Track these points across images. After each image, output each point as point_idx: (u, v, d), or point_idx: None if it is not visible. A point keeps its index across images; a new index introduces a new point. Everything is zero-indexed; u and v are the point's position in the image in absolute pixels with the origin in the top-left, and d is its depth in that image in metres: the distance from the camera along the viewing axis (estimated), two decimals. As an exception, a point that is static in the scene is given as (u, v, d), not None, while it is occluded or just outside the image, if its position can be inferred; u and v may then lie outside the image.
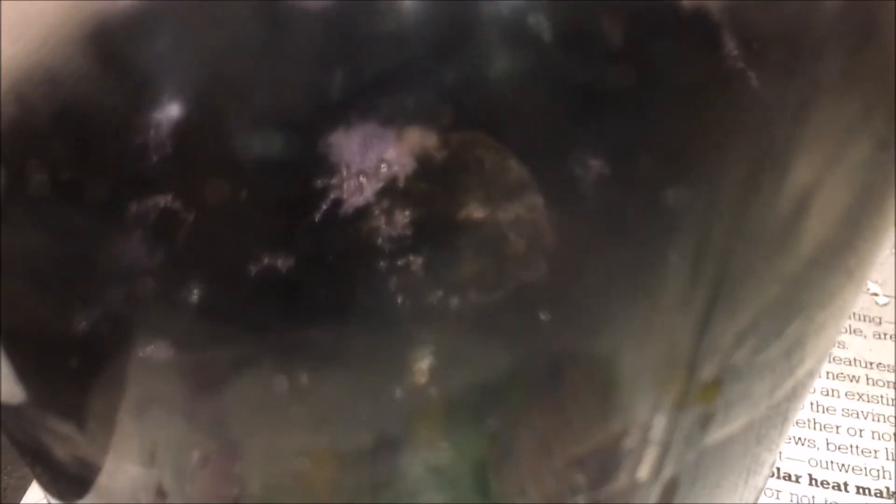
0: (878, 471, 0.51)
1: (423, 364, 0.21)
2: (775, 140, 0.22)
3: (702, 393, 0.23)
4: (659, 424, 0.23)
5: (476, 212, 0.21)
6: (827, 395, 0.55)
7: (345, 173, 0.20)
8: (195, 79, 0.20)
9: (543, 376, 0.22)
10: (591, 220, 0.22)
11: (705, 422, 0.25)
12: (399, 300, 0.21)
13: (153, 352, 0.20)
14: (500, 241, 0.21)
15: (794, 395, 0.28)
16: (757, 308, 0.24)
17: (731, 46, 0.22)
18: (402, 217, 0.20)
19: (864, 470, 0.51)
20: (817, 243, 0.24)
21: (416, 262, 0.20)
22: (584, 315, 0.22)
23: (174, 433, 0.22)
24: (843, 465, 0.51)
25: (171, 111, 0.20)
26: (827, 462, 0.51)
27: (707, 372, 0.23)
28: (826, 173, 0.23)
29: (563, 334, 0.22)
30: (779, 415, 0.28)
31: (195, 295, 0.20)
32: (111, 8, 0.21)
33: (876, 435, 0.53)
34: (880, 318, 0.60)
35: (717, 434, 0.25)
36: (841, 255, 0.25)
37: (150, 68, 0.20)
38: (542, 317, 0.21)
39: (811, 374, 0.28)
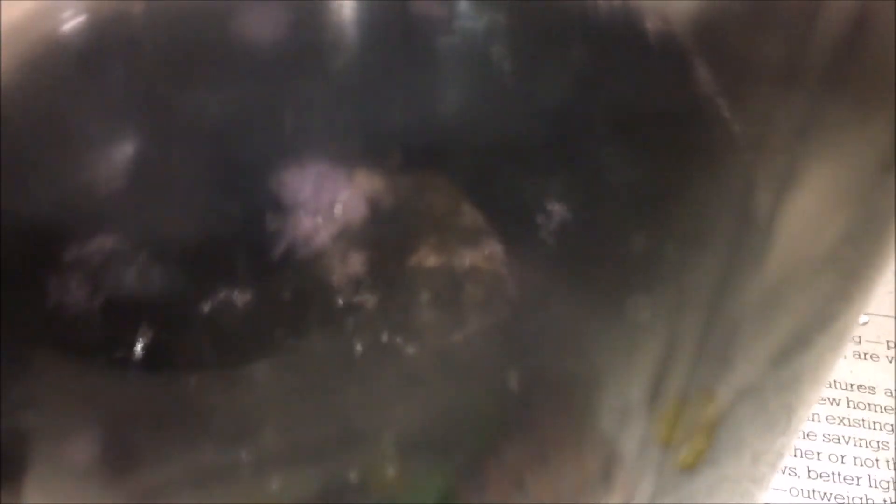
0: (860, 499, 0.50)
1: (378, 405, 0.20)
2: (752, 171, 0.21)
3: (695, 436, 0.22)
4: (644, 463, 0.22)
5: (428, 258, 0.19)
6: (807, 419, 0.53)
7: (301, 213, 0.19)
8: (149, 112, 0.19)
9: (511, 420, 0.21)
10: (554, 269, 0.20)
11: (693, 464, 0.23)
12: (355, 343, 0.19)
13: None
14: (456, 288, 0.20)
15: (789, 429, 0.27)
16: (752, 340, 0.23)
17: (701, 72, 0.21)
18: (357, 260, 0.19)
19: (846, 498, 0.50)
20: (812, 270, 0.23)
21: (371, 303, 0.19)
22: (552, 365, 0.21)
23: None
24: (824, 493, 0.50)
25: (125, 146, 0.19)
26: (808, 490, 0.50)
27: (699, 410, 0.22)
28: (822, 199, 0.22)
29: (529, 383, 0.20)
30: (773, 452, 0.27)
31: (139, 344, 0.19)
32: (59, 33, 0.20)
33: (858, 461, 0.52)
34: (860, 338, 0.59)
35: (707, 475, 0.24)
36: (841, 282, 0.24)
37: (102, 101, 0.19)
38: (509, 379, 0.20)
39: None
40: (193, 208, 0.19)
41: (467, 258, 0.19)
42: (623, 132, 0.20)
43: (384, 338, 0.19)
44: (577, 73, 0.20)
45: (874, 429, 0.54)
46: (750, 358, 0.22)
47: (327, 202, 0.19)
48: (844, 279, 0.23)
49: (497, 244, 0.20)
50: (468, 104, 0.19)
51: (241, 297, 0.19)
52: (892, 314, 0.62)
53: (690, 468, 0.23)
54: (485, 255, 0.20)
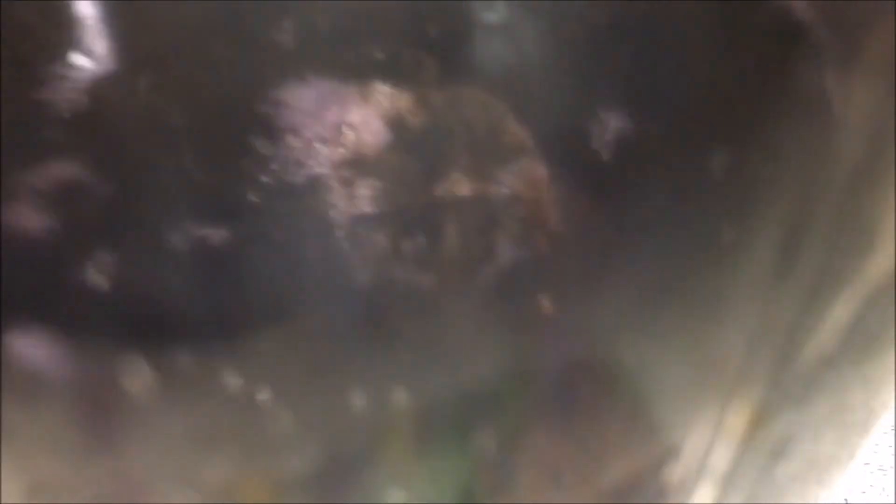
0: None
1: (388, 368, 0.17)
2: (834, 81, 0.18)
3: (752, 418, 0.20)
4: (717, 453, 0.20)
5: (458, 186, 0.16)
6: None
7: (294, 139, 0.15)
8: (121, 19, 0.15)
9: (548, 387, 0.18)
10: (609, 194, 0.17)
11: (772, 454, 0.21)
12: (359, 287, 0.17)
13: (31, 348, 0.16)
14: (490, 221, 0.17)
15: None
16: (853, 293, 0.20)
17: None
18: (366, 192, 0.16)
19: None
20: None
21: (381, 244, 0.16)
22: (601, 314, 0.18)
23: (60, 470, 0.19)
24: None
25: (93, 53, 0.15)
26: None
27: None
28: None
29: (572, 335, 0.18)
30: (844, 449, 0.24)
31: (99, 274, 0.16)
32: None
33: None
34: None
35: (781, 469, 0.22)
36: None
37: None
38: (544, 308, 0.17)
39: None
40: (167, 130, 0.15)
41: (505, 184, 0.16)
42: (693, 35, 0.17)
43: (397, 277, 0.16)
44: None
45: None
46: (834, 317, 0.19)
47: (332, 124, 0.15)
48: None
49: (542, 166, 0.16)
50: (515, 9, 0.15)
51: (217, 235, 0.16)
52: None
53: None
54: (526, 179, 0.16)
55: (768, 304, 0.19)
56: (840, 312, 0.20)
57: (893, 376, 0.22)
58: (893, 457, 0.45)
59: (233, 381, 0.17)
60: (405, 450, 0.18)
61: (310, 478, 0.18)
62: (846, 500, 0.44)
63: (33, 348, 0.17)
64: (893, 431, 0.48)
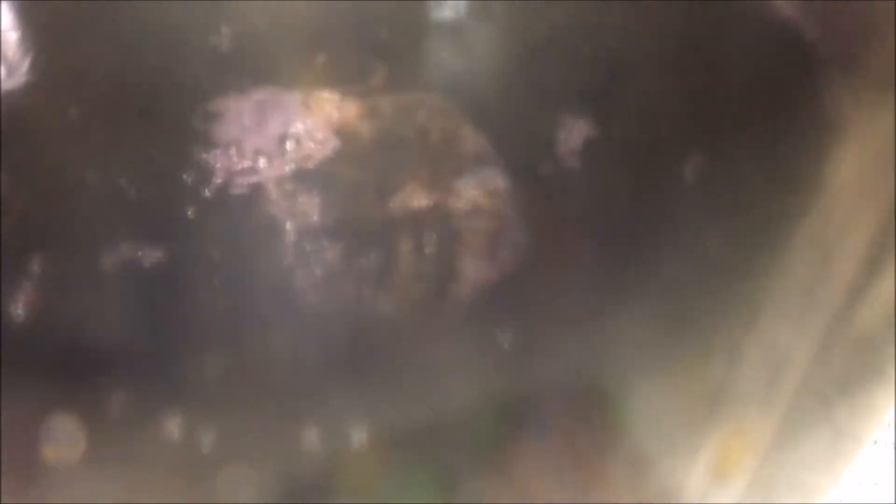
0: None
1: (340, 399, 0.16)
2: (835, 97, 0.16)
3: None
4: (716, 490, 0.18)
5: (415, 198, 0.15)
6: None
7: (233, 151, 0.14)
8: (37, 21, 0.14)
9: (516, 415, 0.17)
10: (575, 204, 0.16)
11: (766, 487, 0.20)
12: (307, 311, 0.15)
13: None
14: (449, 234, 0.15)
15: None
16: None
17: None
18: (311, 206, 0.15)
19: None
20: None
21: (330, 263, 0.15)
22: (571, 337, 0.17)
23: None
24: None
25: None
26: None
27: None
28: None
29: (538, 360, 0.16)
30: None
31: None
32: None
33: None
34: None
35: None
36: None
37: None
38: (502, 337, 0.16)
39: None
40: (97, 143, 0.14)
41: (464, 195, 0.15)
42: (671, 42, 0.16)
43: (350, 297, 0.15)
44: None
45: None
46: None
47: (275, 136, 0.14)
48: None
49: (502, 175, 0.15)
50: (470, 8, 0.14)
51: (149, 255, 0.15)
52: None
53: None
54: (487, 189, 0.15)
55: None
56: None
57: (880, 411, 0.21)
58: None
59: (173, 424, 0.16)
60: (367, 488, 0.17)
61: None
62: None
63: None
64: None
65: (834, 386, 0.19)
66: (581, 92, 0.15)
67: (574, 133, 0.16)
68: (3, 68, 0.14)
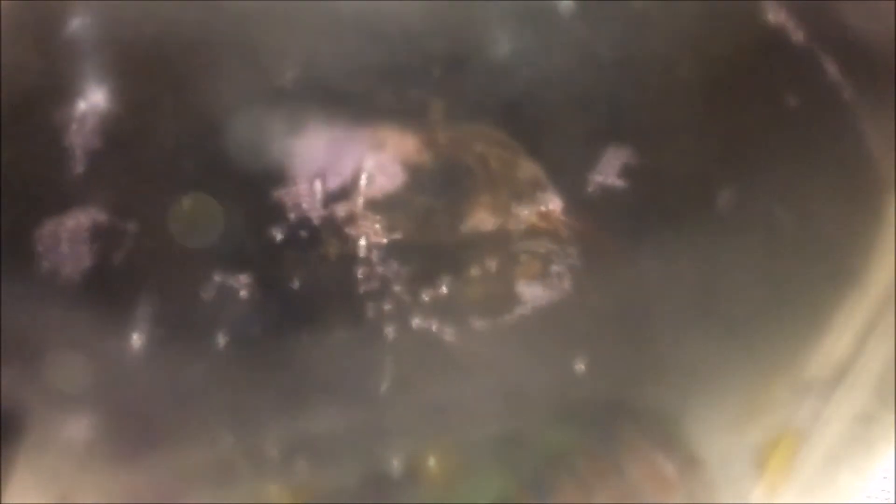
0: None
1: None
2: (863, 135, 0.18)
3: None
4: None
5: (485, 221, 0.16)
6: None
7: (306, 185, 0.16)
8: (125, 68, 0.16)
9: (579, 425, 0.18)
10: (623, 224, 0.17)
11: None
12: (383, 333, 0.17)
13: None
14: (511, 255, 0.17)
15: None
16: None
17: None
18: (387, 234, 0.16)
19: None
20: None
21: (405, 285, 0.16)
22: (633, 355, 0.18)
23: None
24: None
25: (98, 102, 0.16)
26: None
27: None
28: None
29: (603, 380, 0.17)
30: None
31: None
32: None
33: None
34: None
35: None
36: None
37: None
38: (576, 376, 0.17)
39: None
40: (183, 182, 0.16)
41: (523, 219, 0.17)
42: (705, 75, 0.17)
43: (419, 323, 0.16)
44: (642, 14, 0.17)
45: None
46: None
47: (350, 170, 0.16)
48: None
49: (556, 198, 0.17)
50: (522, 46, 0.16)
51: (242, 282, 0.16)
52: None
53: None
54: (542, 211, 0.17)
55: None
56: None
57: None
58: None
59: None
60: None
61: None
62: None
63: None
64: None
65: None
66: (623, 125, 0.17)
67: (616, 161, 0.17)
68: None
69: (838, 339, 0.20)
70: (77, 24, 0.16)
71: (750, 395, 0.18)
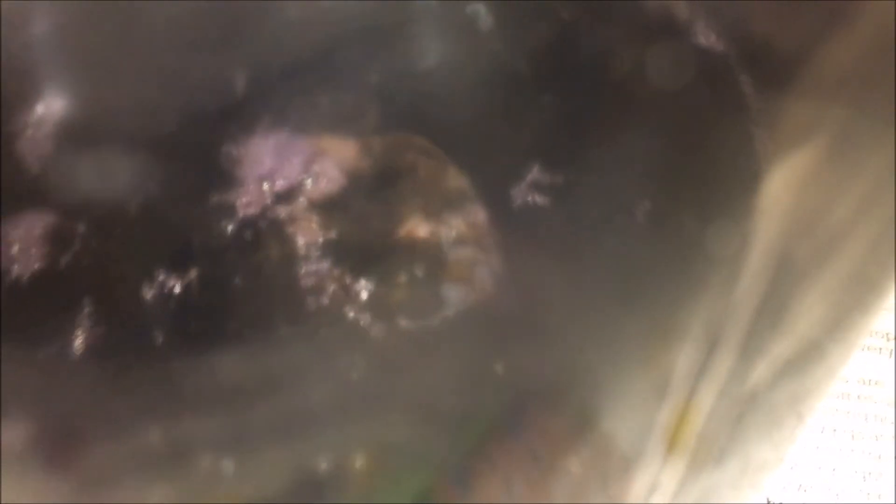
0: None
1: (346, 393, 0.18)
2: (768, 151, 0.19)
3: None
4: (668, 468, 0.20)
5: (419, 227, 0.18)
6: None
7: (252, 187, 0.17)
8: (77, 75, 0.17)
9: (498, 416, 0.19)
10: (545, 237, 0.19)
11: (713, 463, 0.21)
12: (320, 329, 0.18)
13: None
14: (440, 260, 0.18)
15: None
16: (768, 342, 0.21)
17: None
18: (325, 235, 0.17)
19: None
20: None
21: (343, 285, 0.17)
22: (544, 351, 0.19)
23: None
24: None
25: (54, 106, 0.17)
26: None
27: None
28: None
29: (517, 374, 0.18)
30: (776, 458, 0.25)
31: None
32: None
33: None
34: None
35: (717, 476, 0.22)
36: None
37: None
38: (495, 369, 0.18)
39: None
40: (130, 183, 0.17)
41: (453, 226, 0.18)
42: (629, 96, 0.19)
43: (351, 318, 0.17)
44: (563, 25, 0.19)
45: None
46: (764, 361, 0.21)
47: (296, 174, 0.17)
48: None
49: (481, 210, 0.18)
50: (450, 58, 0.18)
51: (183, 282, 0.17)
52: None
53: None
54: (468, 222, 0.18)
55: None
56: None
57: (820, 390, 0.23)
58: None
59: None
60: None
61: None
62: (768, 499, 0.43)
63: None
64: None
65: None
66: (543, 140, 0.18)
67: (537, 175, 0.18)
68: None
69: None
70: (37, 27, 0.17)
71: (656, 380, 0.19)
